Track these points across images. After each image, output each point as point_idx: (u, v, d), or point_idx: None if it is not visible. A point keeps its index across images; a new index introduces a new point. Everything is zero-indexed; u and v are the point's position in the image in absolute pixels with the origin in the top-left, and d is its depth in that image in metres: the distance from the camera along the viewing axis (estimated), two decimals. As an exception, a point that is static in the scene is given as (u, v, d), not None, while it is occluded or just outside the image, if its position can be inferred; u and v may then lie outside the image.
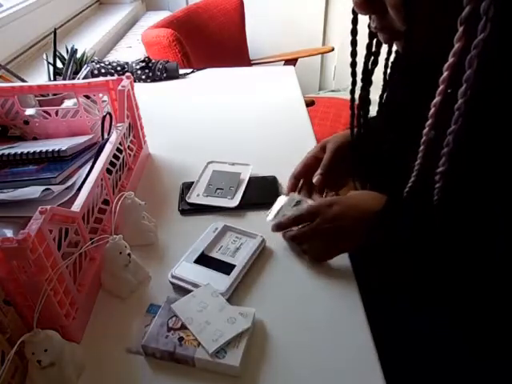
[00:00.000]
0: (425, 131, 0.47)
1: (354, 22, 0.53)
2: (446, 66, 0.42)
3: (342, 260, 0.63)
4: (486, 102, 0.43)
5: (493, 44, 0.37)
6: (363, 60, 0.57)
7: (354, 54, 0.56)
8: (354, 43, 0.55)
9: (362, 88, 0.59)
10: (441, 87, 0.43)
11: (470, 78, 0.40)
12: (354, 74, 0.58)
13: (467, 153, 0.46)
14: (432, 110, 0.45)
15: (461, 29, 0.39)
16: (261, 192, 0.76)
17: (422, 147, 0.48)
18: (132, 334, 0.54)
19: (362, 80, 0.58)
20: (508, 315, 0.52)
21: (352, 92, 0.60)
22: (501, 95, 0.43)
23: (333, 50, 2.13)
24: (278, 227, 0.65)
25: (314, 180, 0.70)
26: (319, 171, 0.70)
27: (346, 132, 0.72)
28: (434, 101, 0.44)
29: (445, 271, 0.53)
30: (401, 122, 0.62)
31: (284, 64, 1.98)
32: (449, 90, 0.43)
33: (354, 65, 0.58)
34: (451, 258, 0.52)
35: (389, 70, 0.61)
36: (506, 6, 0.37)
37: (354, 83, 0.59)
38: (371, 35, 0.55)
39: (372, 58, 0.56)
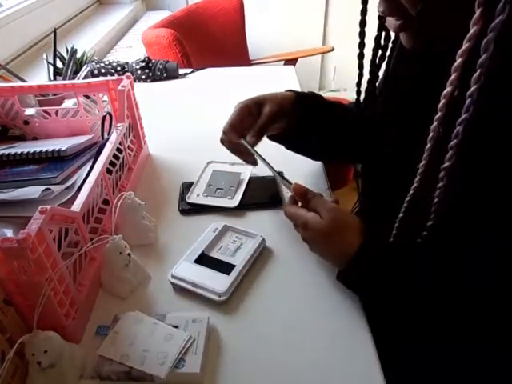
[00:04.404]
0: (433, 126, 0.42)
1: (364, 12, 0.52)
2: (460, 51, 0.37)
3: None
4: (501, 91, 0.39)
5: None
6: (371, 53, 0.56)
7: (362, 45, 0.55)
8: (362, 34, 0.54)
9: (369, 82, 0.58)
10: (453, 76, 0.39)
11: (485, 63, 0.36)
12: (360, 67, 0.57)
13: (476, 148, 0.41)
14: (442, 102, 0.40)
15: (478, 11, 0.35)
16: (261, 192, 0.76)
17: (428, 145, 0.43)
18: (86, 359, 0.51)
19: (370, 73, 0.56)
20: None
21: (358, 84, 0.59)
22: None
23: (333, 49, 2.12)
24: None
25: (250, 140, 0.67)
26: (253, 133, 0.66)
27: (285, 95, 0.69)
28: (445, 91, 0.40)
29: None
30: (404, 118, 0.58)
31: (284, 64, 1.98)
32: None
33: (361, 56, 0.57)
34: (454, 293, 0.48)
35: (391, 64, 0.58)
36: None
37: (360, 76, 0.58)
38: (380, 27, 0.53)
39: (380, 52, 0.55)
